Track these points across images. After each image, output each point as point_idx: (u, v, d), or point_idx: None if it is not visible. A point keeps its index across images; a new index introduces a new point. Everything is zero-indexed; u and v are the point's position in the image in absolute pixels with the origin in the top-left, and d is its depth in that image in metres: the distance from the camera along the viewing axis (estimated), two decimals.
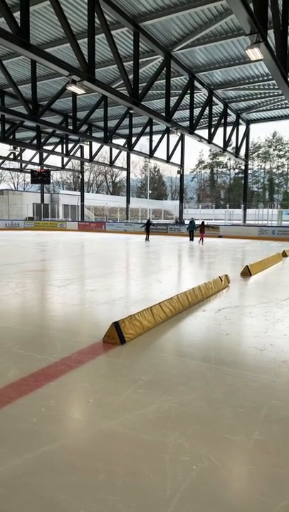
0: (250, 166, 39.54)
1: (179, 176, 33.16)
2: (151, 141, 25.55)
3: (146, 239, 21.97)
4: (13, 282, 8.01)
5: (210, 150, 61.75)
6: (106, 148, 30.52)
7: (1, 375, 3.32)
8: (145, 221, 23.99)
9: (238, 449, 2.40)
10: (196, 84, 19.31)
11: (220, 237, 26.80)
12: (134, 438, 2.45)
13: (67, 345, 4.22)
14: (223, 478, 2.17)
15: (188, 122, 19.93)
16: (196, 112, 22.50)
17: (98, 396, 3.01)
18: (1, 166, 33.98)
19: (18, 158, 30.46)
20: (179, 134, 23.85)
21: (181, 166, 31.73)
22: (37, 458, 2.24)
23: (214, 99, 21.76)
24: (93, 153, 29.38)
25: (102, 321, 5.15)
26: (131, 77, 15.49)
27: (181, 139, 30.48)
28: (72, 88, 12.68)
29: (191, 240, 22.09)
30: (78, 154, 32.42)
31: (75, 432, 2.56)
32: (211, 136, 22.03)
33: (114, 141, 27.65)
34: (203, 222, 20.84)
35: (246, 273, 9.19)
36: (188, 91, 18.81)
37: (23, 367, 3.53)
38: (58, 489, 1.99)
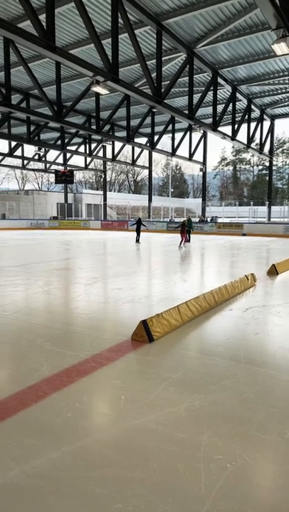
0: (274, 163, 38.77)
1: (201, 173, 32.91)
2: (173, 139, 25.46)
3: (137, 240, 19.15)
4: (41, 280, 8.20)
5: (233, 147, 60.92)
6: (128, 147, 30.67)
7: (36, 371, 3.42)
8: (166, 220, 22.72)
9: (271, 449, 2.39)
10: (220, 80, 19.09)
11: (244, 235, 26.44)
12: (168, 435, 2.48)
13: (97, 342, 4.29)
14: (257, 477, 2.17)
15: (211, 119, 19.73)
16: (220, 108, 22.29)
17: (130, 393, 3.05)
18: (27, 166, 34.69)
19: (43, 158, 31.02)
20: (202, 132, 23.63)
21: (204, 163, 31.47)
22: (74, 451, 2.30)
23: (238, 95, 21.44)
24: (115, 153, 29.57)
25: (128, 319, 5.21)
26: (154, 75, 15.49)
27: (204, 136, 30.21)
28: (96, 89, 12.81)
29: (188, 241, 19.37)
30: (101, 154, 32.70)
31: (110, 427, 2.61)
32: (235, 132, 21.72)
33: (137, 140, 27.72)
34: (185, 221, 18.49)
35: (273, 272, 9.04)
36: (212, 88, 18.61)
37: (56, 363, 3.63)
38: (95, 483, 2.04)
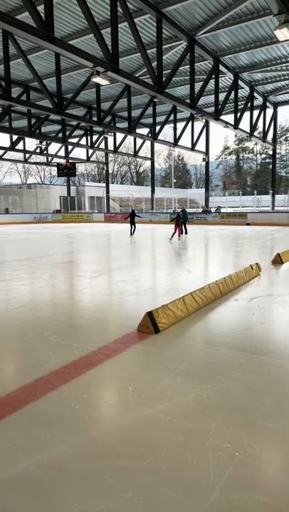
0: (278, 151, 38.37)
1: (203, 163, 32.66)
2: (175, 129, 25.24)
3: (132, 233, 18.15)
4: (46, 274, 8.23)
5: (235, 135, 60.30)
6: (130, 138, 30.44)
7: (44, 363, 3.45)
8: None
9: (279, 437, 2.40)
10: (221, 68, 18.83)
11: (248, 224, 26.32)
12: (176, 425, 2.50)
13: (103, 334, 4.32)
14: (265, 465, 2.19)
15: (213, 108, 19.51)
16: (222, 96, 21.99)
17: (137, 384, 3.08)
18: (28, 160, 34.61)
19: (45, 152, 30.91)
20: (204, 121, 23.39)
21: (206, 153, 31.21)
22: (83, 442, 2.33)
23: (240, 82, 21.16)
24: (117, 144, 29.38)
25: (134, 311, 5.23)
26: (154, 64, 15.30)
27: (206, 125, 29.92)
28: (97, 79, 12.69)
29: (185, 233, 18.09)
30: (102, 146, 32.53)
31: (118, 418, 2.64)
32: (237, 121, 21.49)
33: (138, 130, 27.50)
34: (179, 213, 16.95)
35: (278, 261, 9.01)
36: (213, 76, 18.37)
37: (63, 355, 3.65)
38: (106, 473, 2.07)
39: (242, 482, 2.00)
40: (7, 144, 27.96)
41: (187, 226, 18.75)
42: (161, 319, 4.43)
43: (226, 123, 20.34)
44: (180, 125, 26.19)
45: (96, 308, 5.52)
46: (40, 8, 11.07)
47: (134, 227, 18.30)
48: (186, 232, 18.09)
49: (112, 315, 5.28)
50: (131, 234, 18.05)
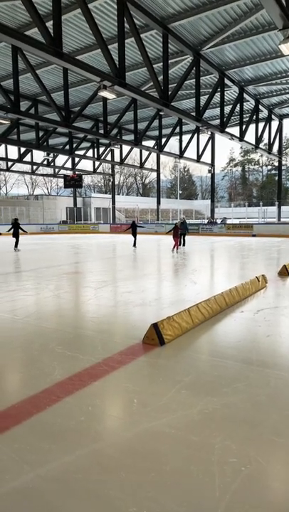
0: (283, 162, 38.48)
1: (209, 175, 32.82)
2: (181, 141, 25.47)
3: (134, 244, 17.78)
4: (52, 285, 8.26)
5: (241, 147, 60.66)
6: (136, 150, 30.75)
7: (48, 375, 3.45)
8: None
9: (286, 452, 2.37)
10: (227, 81, 19.06)
11: (254, 235, 26.27)
12: (181, 438, 2.48)
13: (108, 346, 4.31)
14: (272, 480, 2.15)
15: (218, 120, 19.69)
16: (227, 109, 22.24)
17: (142, 396, 3.06)
18: (36, 172, 35.06)
19: (52, 164, 31.31)
20: (210, 133, 23.59)
21: (212, 164, 31.39)
22: (88, 455, 2.32)
23: (245, 95, 21.37)
24: (123, 156, 29.69)
25: (139, 323, 5.22)
26: (160, 78, 15.54)
27: (212, 137, 30.16)
28: (104, 93, 12.90)
29: (183, 245, 17.56)
30: (109, 158, 32.87)
31: (123, 430, 2.62)
32: (243, 133, 21.65)
33: (144, 143, 27.80)
34: (177, 224, 16.25)
35: (284, 273, 8.97)
36: (219, 89, 18.59)
37: (68, 367, 3.65)
38: (110, 486, 2.05)
39: (248, 497, 1.97)
40: (15, 156, 28.39)
41: (187, 238, 18.31)
42: (166, 331, 4.42)
43: (232, 135, 20.50)
44: (186, 137, 26.44)
45: (101, 319, 5.51)
46: (49, 24, 11.36)
47: (135, 238, 17.93)
48: (183, 244, 17.46)
49: (117, 326, 5.28)
50: (134, 245, 17.77)
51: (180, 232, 16.78)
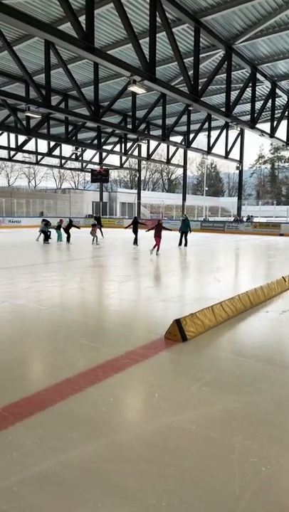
0: None
1: (237, 171, 32.26)
2: (209, 137, 25.12)
3: (135, 242, 16.44)
4: (77, 277, 8.40)
5: (271, 144, 59.18)
6: (163, 146, 30.59)
7: (72, 365, 3.53)
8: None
9: None
10: (259, 76, 18.59)
11: (281, 235, 25.68)
12: (201, 435, 2.48)
13: (130, 339, 4.35)
14: None
15: (249, 116, 19.29)
16: (258, 105, 21.72)
17: (163, 391, 3.08)
18: (64, 166, 35.56)
19: (80, 158, 31.65)
20: (239, 129, 23.16)
21: (240, 161, 30.83)
22: (109, 445, 2.36)
23: (277, 90, 20.80)
24: (150, 152, 29.61)
25: (161, 318, 5.23)
26: (190, 73, 15.36)
27: (241, 133, 29.59)
28: (133, 88, 12.88)
29: (180, 244, 16.31)
30: (136, 153, 32.88)
31: (143, 423, 2.65)
32: (274, 129, 21.10)
33: (172, 138, 27.59)
34: (161, 221, 13.90)
35: None
36: (250, 84, 18.19)
37: (91, 358, 3.72)
38: (129, 477, 2.08)
39: (268, 498, 1.95)
40: (44, 150, 28.88)
41: (189, 237, 16.86)
42: (189, 327, 4.41)
43: (262, 131, 20.03)
44: (214, 133, 26.05)
45: (124, 313, 5.57)
46: (82, 18, 11.43)
47: (136, 235, 16.35)
48: (185, 244, 16.14)
49: (139, 320, 5.31)
50: (134, 243, 16.34)
51: (181, 230, 15.85)
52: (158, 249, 13.08)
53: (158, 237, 13.14)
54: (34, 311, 5.48)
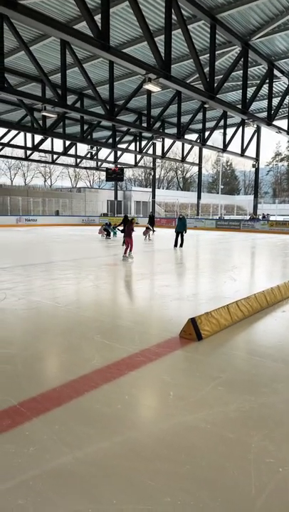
0: None
1: (253, 169, 31.85)
2: (225, 134, 24.88)
3: (148, 234, 17.64)
4: (92, 275, 8.45)
5: (288, 141, 58.26)
6: (178, 144, 30.46)
7: (87, 362, 3.55)
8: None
9: None
10: (276, 72, 18.29)
11: None
12: (217, 434, 2.46)
13: (145, 337, 4.35)
14: None
15: (265, 113, 18.99)
16: (275, 101, 21.37)
17: (178, 389, 3.07)
18: (79, 165, 35.81)
19: (95, 157, 31.81)
20: (255, 126, 22.84)
21: (257, 159, 30.43)
22: (124, 442, 2.37)
23: None
24: (165, 150, 29.52)
25: (176, 317, 5.22)
26: (206, 70, 15.23)
27: (257, 130, 29.19)
28: (149, 86, 12.85)
29: (176, 245, 14.98)
30: (150, 151, 32.83)
31: (158, 421, 2.65)
32: None
33: (187, 136, 27.44)
34: (133, 219, 12.34)
35: None
36: (267, 80, 17.93)
37: (106, 355, 3.74)
38: (144, 475, 2.08)
39: (284, 498, 1.92)
40: (60, 149, 29.14)
41: (185, 236, 15.47)
42: (204, 326, 4.38)
43: (279, 128, 19.73)
44: (230, 130, 25.78)
45: (139, 311, 5.57)
46: (97, 17, 11.46)
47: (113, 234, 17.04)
48: (181, 245, 14.95)
49: (154, 319, 5.31)
50: (149, 236, 16.83)
51: (176, 230, 14.87)
52: (130, 250, 11.40)
53: (129, 237, 11.38)
54: (50, 309, 5.54)
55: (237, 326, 4.84)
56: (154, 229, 20.34)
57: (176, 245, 14.97)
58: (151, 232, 20.56)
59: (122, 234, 13.78)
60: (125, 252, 11.30)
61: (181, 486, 2.00)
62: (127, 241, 11.35)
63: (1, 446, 2.31)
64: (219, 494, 1.95)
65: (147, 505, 1.87)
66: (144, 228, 19.91)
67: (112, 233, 20.41)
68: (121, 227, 11.90)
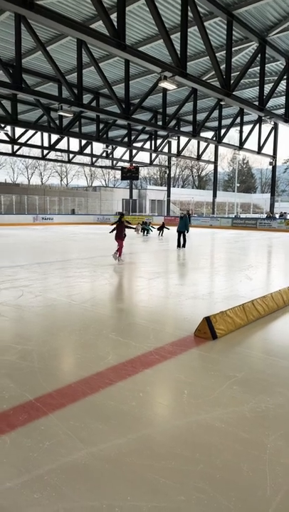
0: None
1: (270, 167, 31.41)
2: (241, 132, 24.60)
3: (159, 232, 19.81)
4: (107, 273, 8.49)
5: None
6: (193, 142, 30.30)
7: (102, 359, 3.58)
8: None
9: None
10: None
11: None
12: (232, 434, 2.44)
13: (159, 336, 4.35)
14: None
15: (283, 110, 18.72)
16: None
17: (193, 388, 3.05)
18: (95, 163, 36.03)
19: (110, 156, 31.94)
20: (273, 123, 22.53)
21: (274, 156, 29.98)
22: (139, 439, 2.37)
23: None
24: (180, 148, 29.40)
25: (190, 315, 5.20)
26: (222, 67, 15.08)
27: (275, 127, 28.76)
28: (164, 84, 12.82)
29: (179, 245, 14.32)
30: (166, 150, 32.74)
31: (173, 419, 2.64)
32: None
33: (203, 134, 27.27)
34: (123, 218, 10.95)
35: None
36: (285, 76, 17.63)
37: (121, 353, 3.75)
38: (159, 472, 2.09)
39: None
40: (76, 148, 29.37)
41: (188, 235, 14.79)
42: (219, 325, 4.35)
43: None
44: (247, 128, 25.49)
45: (153, 310, 5.57)
46: (113, 16, 11.49)
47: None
48: (183, 245, 14.24)
49: (168, 317, 5.30)
50: (159, 233, 17.51)
51: (178, 229, 14.08)
52: (120, 254, 10.43)
53: (120, 238, 10.46)
54: (66, 306, 5.60)
55: (253, 325, 4.79)
56: (168, 227, 21.49)
57: (178, 246, 14.27)
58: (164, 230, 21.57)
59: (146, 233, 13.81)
60: (116, 253, 10.45)
61: (196, 484, 1.99)
62: (119, 243, 10.47)
63: (18, 440, 2.35)
64: (234, 494, 1.93)
65: (161, 502, 1.88)
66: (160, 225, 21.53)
67: (147, 231, 22.21)
68: (112, 227, 10.75)
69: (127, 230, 10.79)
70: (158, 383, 3.21)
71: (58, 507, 1.84)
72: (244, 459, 2.21)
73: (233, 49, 15.34)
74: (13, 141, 25.28)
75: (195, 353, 3.88)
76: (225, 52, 14.13)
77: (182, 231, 14.15)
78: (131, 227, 11.50)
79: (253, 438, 2.40)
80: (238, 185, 51.83)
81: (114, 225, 10.65)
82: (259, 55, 15.49)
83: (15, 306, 5.51)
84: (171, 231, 14.71)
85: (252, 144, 25.64)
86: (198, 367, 3.58)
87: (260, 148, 25.34)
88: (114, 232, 10.51)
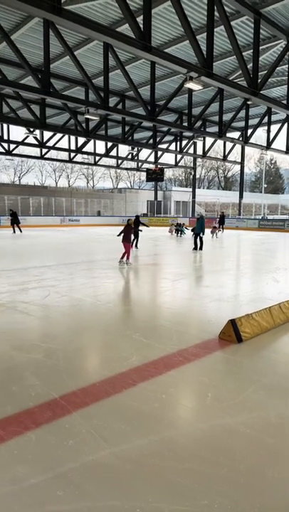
0: None
1: None
2: (268, 131, 24.10)
3: (135, 245, 13.94)
4: (132, 274, 8.53)
5: None
6: (219, 142, 29.98)
7: (126, 359, 3.59)
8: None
9: None
10: None
11: None
12: (257, 439, 2.39)
13: (183, 337, 4.33)
14: None
15: None
16: None
17: (217, 391, 3.01)
18: (120, 165, 36.31)
19: (135, 157, 32.11)
20: None
21: None
22: (161, 441, 2.36)
23: None
24: (206, 149, 29.16)
25: (215, 318, 5.13)
26: (249, 66, 14.85)
27: None
28: (190, 85, 12.77)
29: (195, 248, 13.91)
30: (191, 151, 32.57)
31: (196, 422, 2.62)
32: None
33: (229, 134, 26.93)
34: (130, 221, 10.96)
35: None
36: None
37: (144, 354, 3.75)
38: (181, 475, 2.07)
39: None
40: (102, 151, 29.71)
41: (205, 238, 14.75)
42: (244, 328, 4.28)
43: None
44: (274, 127, 24.94)
45: (177, 311, 5.55)
46: (139, 19, 11.54)
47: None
48: (200, 248, 13.87)
49: (192, 319, 5.26)
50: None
51: (194, 232, 13.74)
52: (128, 258, 9.92)
53: (126, 241, 9.86)
54: (91, 306, 5.66)
55: (279, 329, 4.67)
56: (222, 228, 22.47)
57: (195, 248, 13.91)
58: (218, 231, 22.20)
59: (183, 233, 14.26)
60: (122, 258, 9.92)
61: (219, 489, 1.96)
62: (125, 246, 9.90)
63: (43, 438, 2.39)
64: (258, 500, 1.89)
65: (183, 505, 1.86)
66: (211, 228, 21.96)
67: (180, 232, 23.18)
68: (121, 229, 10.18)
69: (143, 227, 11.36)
70: (181, 385, 3.19)
71: (80, 505, 1.86)
72: (269, 465, 2.15)
73: (261, 47, 15.07)
74: (41, 144, 25.88)
75: (219, 355, 3.83)
76: (252, 51, 13.90)
77: (198, 233, 13.82)
78: (144, 224, 12.76)
79: (278, 444, 2.34)
80: (266, 185, 50.82)
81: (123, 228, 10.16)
82: (287, 53, 15.15)
83: (42, 306, 5.63)
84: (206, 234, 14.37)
85: (280, 143, 25.06)
86: (222, 370, 3.53)
87: (288, 148, 24.74)
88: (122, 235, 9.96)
